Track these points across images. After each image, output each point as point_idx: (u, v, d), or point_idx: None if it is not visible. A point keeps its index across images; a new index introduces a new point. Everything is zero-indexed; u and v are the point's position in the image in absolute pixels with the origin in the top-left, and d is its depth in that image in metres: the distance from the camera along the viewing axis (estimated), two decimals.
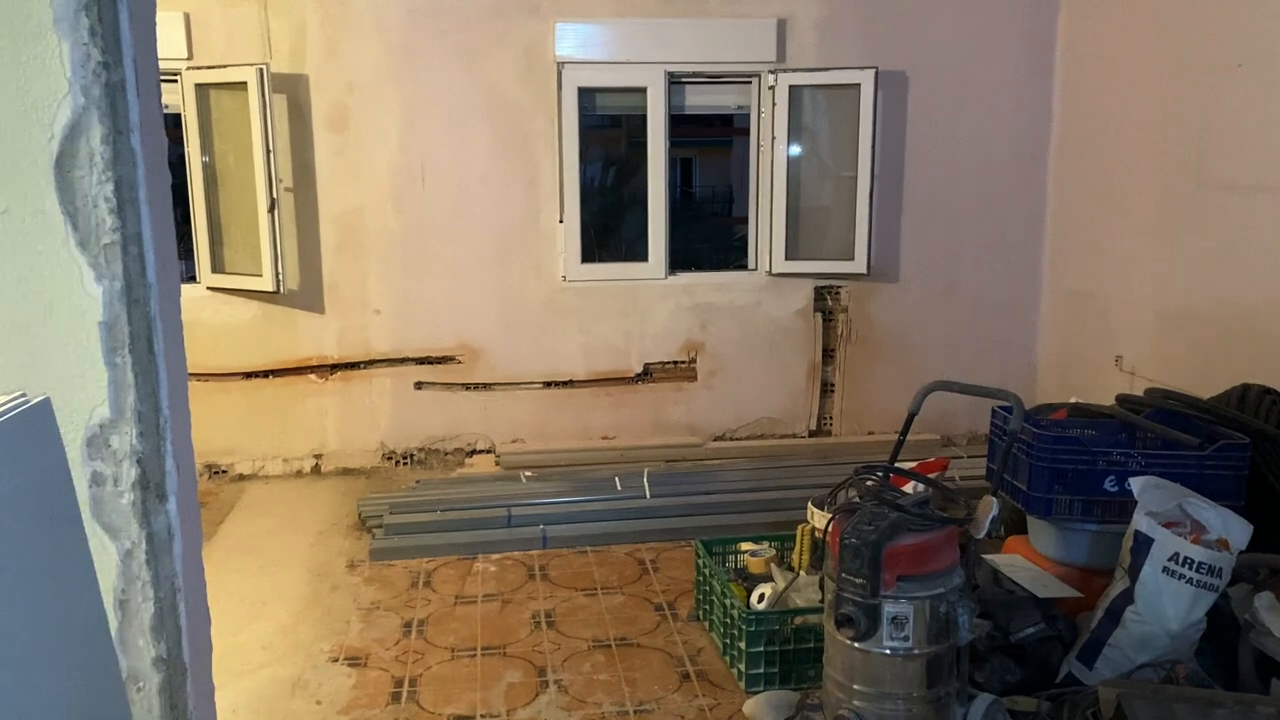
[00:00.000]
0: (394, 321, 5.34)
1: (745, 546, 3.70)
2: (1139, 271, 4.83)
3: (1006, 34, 5.40)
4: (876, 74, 5.14)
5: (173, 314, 1.91)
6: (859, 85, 5.16)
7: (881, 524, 2.44)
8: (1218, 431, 3.30)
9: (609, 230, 6.00)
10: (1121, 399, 3.70)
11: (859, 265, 5.35)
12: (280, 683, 3.17)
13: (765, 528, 4.29)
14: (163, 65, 4.85)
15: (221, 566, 4.09)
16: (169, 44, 4.78)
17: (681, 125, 5.82)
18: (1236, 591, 2.94)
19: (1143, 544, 2.85)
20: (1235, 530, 2.83)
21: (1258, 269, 4.08)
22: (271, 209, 4.81)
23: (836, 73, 5.18)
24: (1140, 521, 2.91)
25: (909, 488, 3.06)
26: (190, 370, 5.10)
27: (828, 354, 5.67)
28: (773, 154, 5.30)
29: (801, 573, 3.35)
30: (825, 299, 5.60)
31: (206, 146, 5.00)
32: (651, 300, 5.51)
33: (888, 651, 2.46)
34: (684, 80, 5.32)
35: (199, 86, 4.85)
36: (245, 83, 4.70)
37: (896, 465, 3.02)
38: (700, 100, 5.44)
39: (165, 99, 5.01)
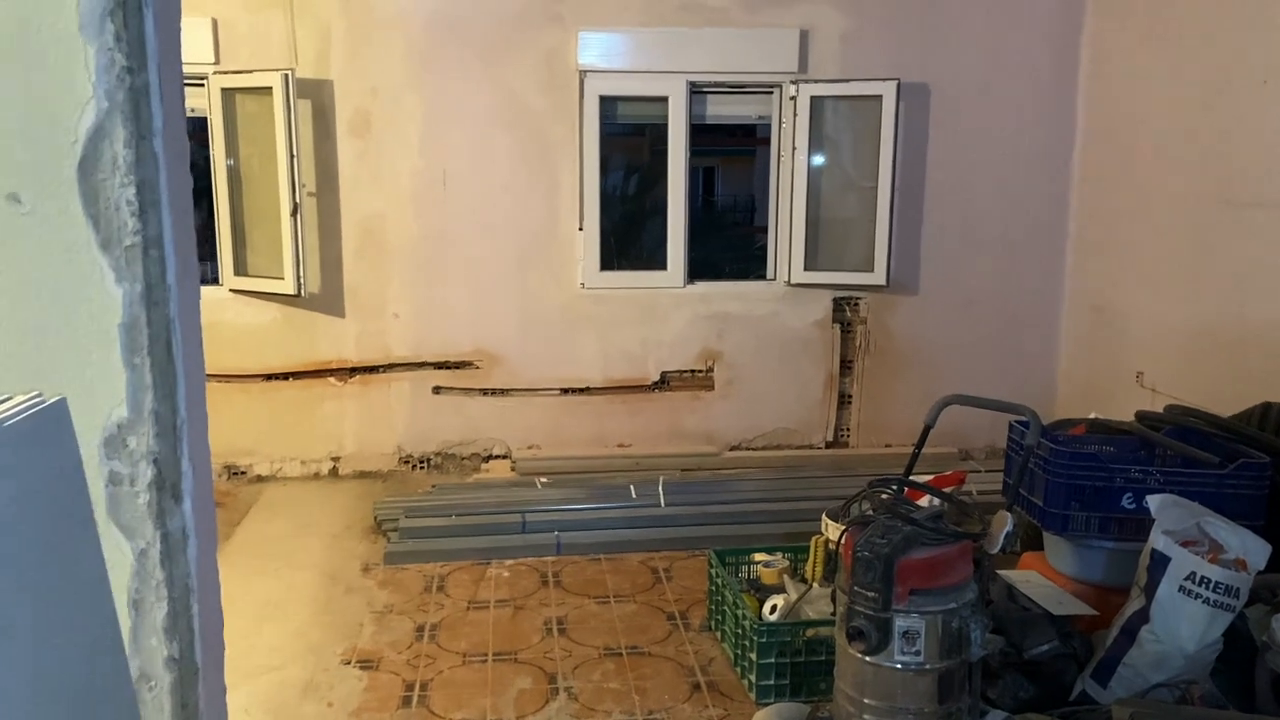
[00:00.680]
0: (413, 326, 5.37)
1: (758, 557, 3.69)
2: (1162, 287, 4.78)
3: (1030, 47, 5.38)
4: (899, 86, 5.13)
5: (192, 316, 1.94)
6: (881, 97, 5.15)
7: (895, 537, 2.43)
8: (1238, 450, 3.26)
9: (628, 238, 6.00)
10: (1141, 415, 3.67)
11: (878, 277, 5.34)
12: (292, 685, 3.19)
13: (779, 539, 4.28)
14: (190, 70, 4.94)
15: (237, 567, 4.12)
16: (196, 49, 4.85)
17: (705, 134, 5.83)
18: (1254, 612, 2.90)
19: (1159, 562, 2.82)
20: (1254, 550, 2.79)
21: None
22: (294, 213, 4.86)
23: (858, 84, 5.18)
24: (1157, 540, 2.88)
25: (924, 501, 3.04)
26: (211, 371, 5.17)
27: (846, 365, 5.65)
28: (793, 164, 5.30)
29: (814, 584, 3.34)
30: (844, 310, 5.59)
31: (231, 150, 5.05)
32: (669, 309, 5.51)
33: (899, 666, 2.44)
34: (706, 90, 5.34)
35: (225, 91, 4.91)
36: (270, 88, 4.75)
37: (912, 478, 3.00)
38: (721, 110, 5.45)
39: (191, 103, 5.12)
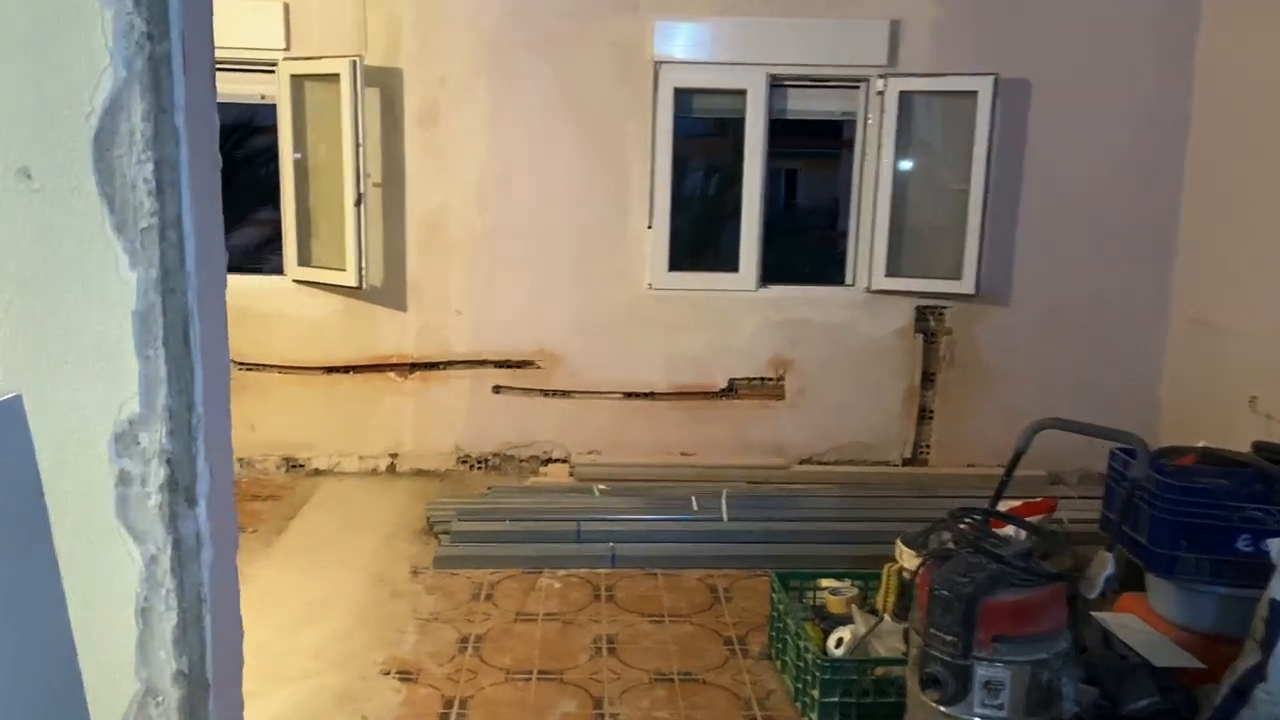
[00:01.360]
0: (474, 323, 5.28)
1: (826, 583, 3.47)
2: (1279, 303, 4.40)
3: (1140, 40, 5.03)
4: (996, 81, 4.84)
5: (214, 306, 1.82)
6: (976, 93, 4.86)
7: (978, 575, 2.20)
8: None
9: (699, 238, 5.82)
10: (1259, 446, 3.33)
11: (967, 285, 5.05)
12: (327, 693, 3.09)
13: (849, 562, 4.05)
14: (260, 55, 4.93)
15: (286, 565, 4.06)
16: (267, 34, 4.83)
17: (788, 134, 5.61)
18: None
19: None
20: None
21: None
22: (358, 203, 4.80)
23: (952, 79, 4.90)
24: (1277, 589, 2.58)
25: (1008, 531, 2.80)
26: (272, 362, 5.14)
27: (927, 378, 5.37)
28: (878, 163, 5.04)
29: (886, 617, 3.10)
30: (927, 319, 5.30)
31: (299, 139, 5.03)
32: (740, 313, 5.31)
33: (978, 719, 2.21)
34: (786, 83, 5.12)
35: (294, 78, 4.88)
36: (338, 74, 4.69)
37: (998, 509, 2.75)
38: (803, 105, 5.22)
39: (261, 89, 5.11)
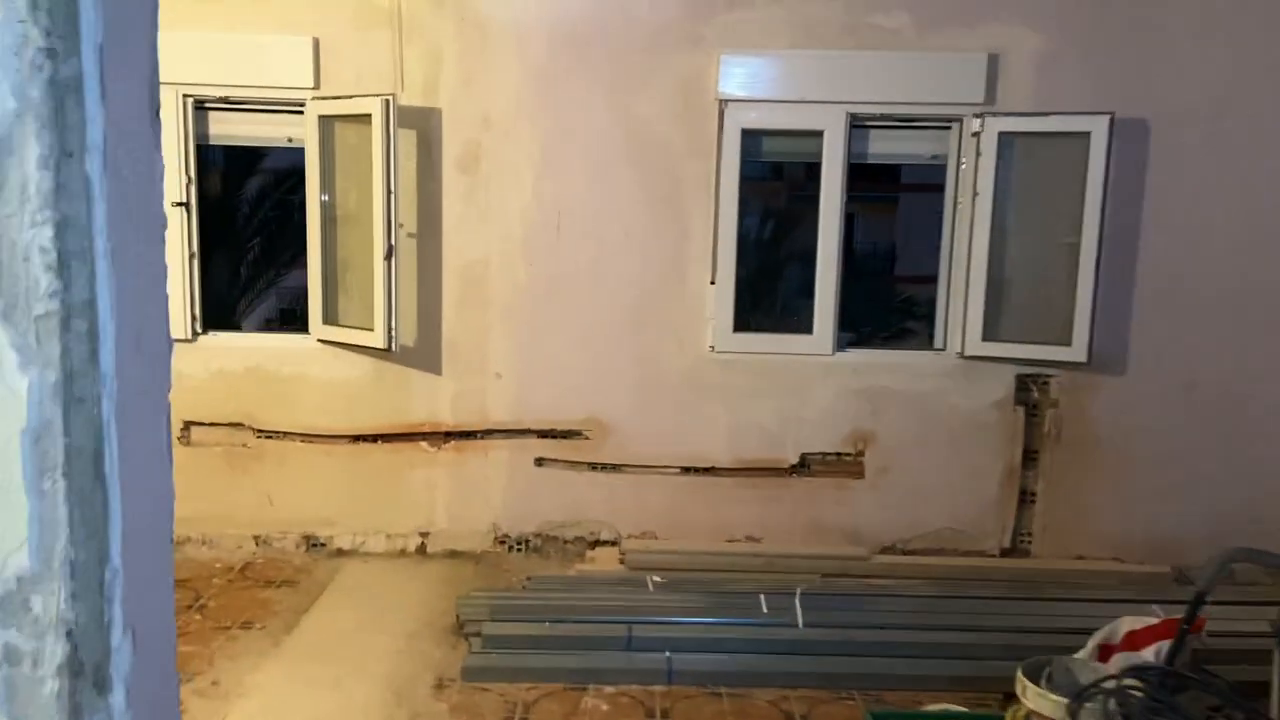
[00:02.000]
0: (516, 387, 4.85)
1: (931, 707, 2.91)
2: None
3: (1278, 74, 4.48)
4: (1112, 121, 4.33)
5: (147, 418, 1.38)
6: (1088, 134, 4.36)
7: None
8: None
9: (767, 295, 5.35)
10: None
11: (1077, 352, 4.49)
12: None
13: (950, 683, 3.52)
14: (288, 95, 4.60)
15: (293, 672, 3.61)
16: (294, 72, 4.51)
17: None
18: None
19: None
20: None
21: None
22: (388, 256, 4.42)
23: (1060, 118, 4.40)
24: None
25: (1152, 652, 2.29)
26: (294, 430, 4.74)
27: (1029, 456, 4.80)
28: (973, 212, 4.54)
29: None
30: (1030, 390, 4.75)
31: (328, 185, 4.68)
32: (813, 379, 4.81)
33: None
34: (868, 123, 4.66)
35: (323, 119, 4.54)
36: (369, 115, 4.34)
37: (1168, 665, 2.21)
38: (886, 148, 4.76)
39: (290, 131, 4.79)
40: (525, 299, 4.79)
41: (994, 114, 4.48)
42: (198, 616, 4.15)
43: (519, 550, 4.95)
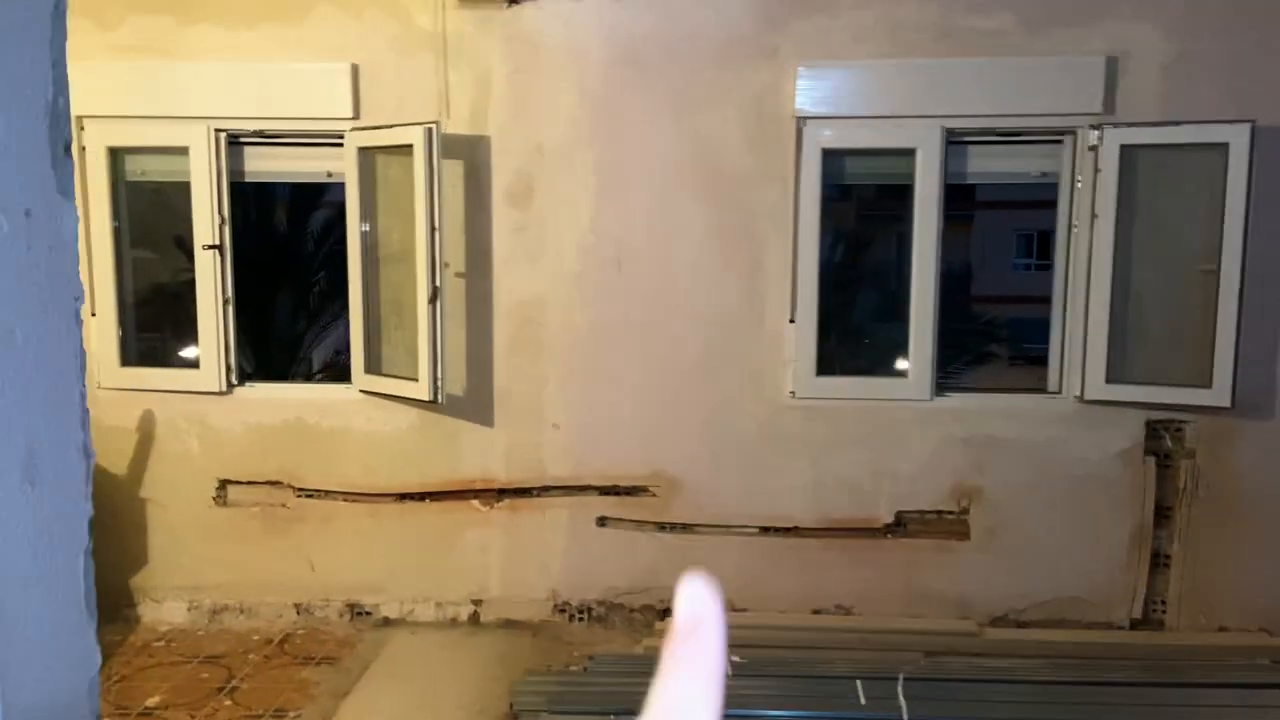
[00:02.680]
0: (575, 439, 4.46)
1: None
2: None
3: None
4: (1253, 129, 3.80)
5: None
6: (1226, 145, 3.84)
7: None
8: None
9: (852, 334, 4.88)
10: None
11: (1218, 394, 3.95)
12: None
13: None
14: (326, 126, 4.30)
15: None
16: (332, 101, 4.22)
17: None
18: None
19: None
20: None
21: None
22: (433, 299, 4.07)
23: (1193, 128, 3.88)
24: None
25: None
26: (336, 488, 4.38)
27: (1162, 514, 4.25)
28: (1091, 237, 4.04)
29: None
30: (1162, 438, 4.20)
31: (369, 222, 4.37)
32: (909, 427, 4.33)
33: None
34: (966, 140, 4.19)
35: (362, 151, 4.23)
36: (411, 145, 4.01)
37: None
38: (987, 166, 4.29)
39: (329, 165, 4.49)
40: (584, 342, 4.40)
41: (1114, 125, 3.98)
42: (228, 702, 3.81)
43: (580, 620, 4.54)
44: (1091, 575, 4.29)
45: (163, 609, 4.59)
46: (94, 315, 4.38)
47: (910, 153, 4.15)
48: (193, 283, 4.41)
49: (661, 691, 0.35)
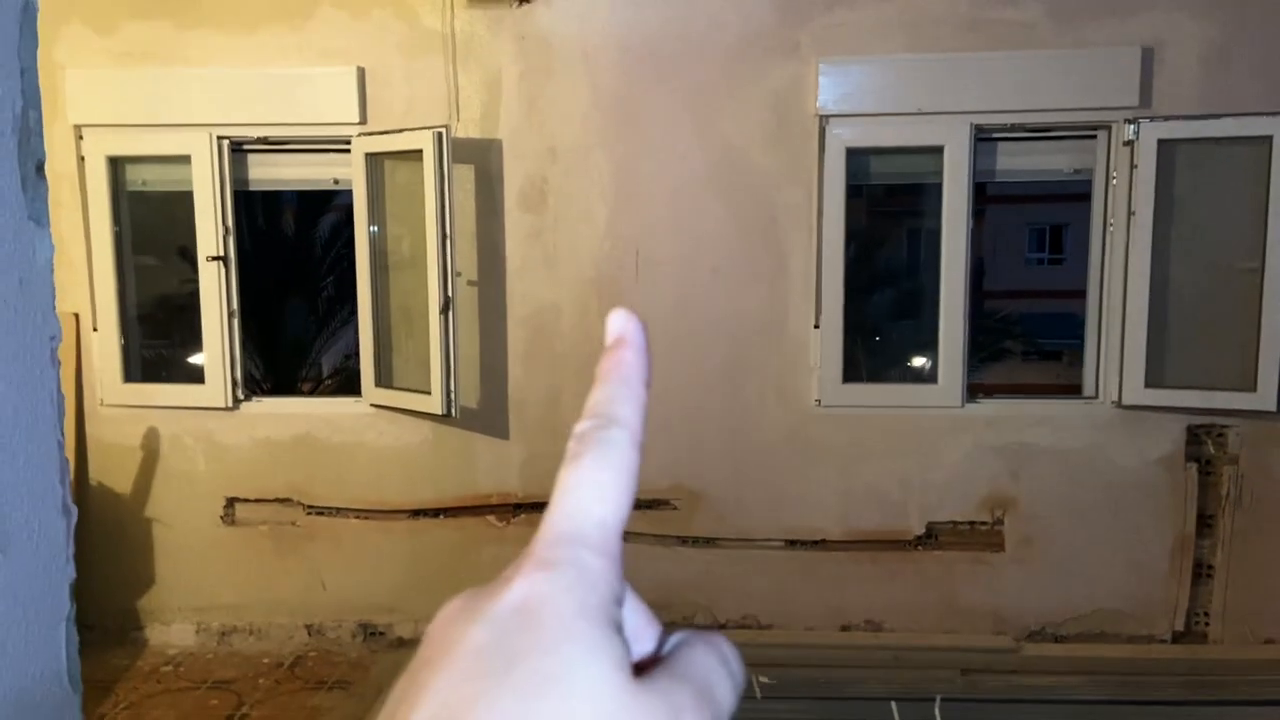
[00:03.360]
0: None
1: None
2: None
3: None
4: None
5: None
6: (1269, 138, 3.70)
7: None
8: None
9: (880, 339, 4.74)
10: None
11: (1264, 398, 3.80)
12: None
13: None
14: (332, 132, 4.18)
15: None
16: (338, 106, 4.11)
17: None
18: None
19: None
20: None
21: None
22: (444, 309, 3.94)
23: (1234, 120, 3.74)
24: None
25: None
26: (348, 505, 4.27)
27: (1204, 523, 4.10)
28: (1128, 236, 3.90)
29: None
30: (1204, 444, 4.06)
31: (378, 230, 4.24)
32: (940, 435, 4.20)
33: None
34: (995, 136, 4.05)
35: (370, 157, 4.11)
36: (421, 150, 3.89)
37: None
38: (1016, 163, 4.15)
39: (335, 171, 4.37)
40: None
41: (1151, 119, 3.84)
42: None
43: None
44: (1131, 587, 4.15)
45: (170, 631, 4.48)
46: (96, 330, 4.27)
47: (937, 150, 4.01)
48: (197, 294, 4.29)
49: (592, 395, 0.40)
